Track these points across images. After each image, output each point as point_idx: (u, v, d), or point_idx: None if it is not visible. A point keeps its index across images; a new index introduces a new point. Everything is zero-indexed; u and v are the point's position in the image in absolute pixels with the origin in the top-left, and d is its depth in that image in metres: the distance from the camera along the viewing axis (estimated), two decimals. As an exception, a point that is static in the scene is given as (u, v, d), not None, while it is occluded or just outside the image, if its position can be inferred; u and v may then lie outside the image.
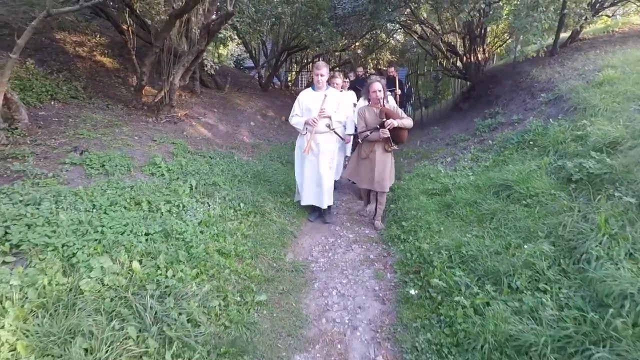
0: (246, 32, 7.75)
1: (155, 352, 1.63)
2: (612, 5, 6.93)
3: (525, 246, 2.35)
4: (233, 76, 8.99)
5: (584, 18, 5.31)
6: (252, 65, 10.93)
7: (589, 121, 3.38)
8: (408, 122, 3.28)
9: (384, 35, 10.44)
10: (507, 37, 9.07)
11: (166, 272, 2.09)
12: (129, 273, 2.00)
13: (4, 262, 1.90)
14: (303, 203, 3.66)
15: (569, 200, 2.61)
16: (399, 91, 6.32)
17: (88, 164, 3.15)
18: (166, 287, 1.97)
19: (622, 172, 2.53)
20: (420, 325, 2.12)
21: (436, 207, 3.45)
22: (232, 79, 8.35)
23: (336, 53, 10.55)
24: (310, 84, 4.19)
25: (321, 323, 2.23)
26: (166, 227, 2.48)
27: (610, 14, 8.20)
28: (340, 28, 8.61)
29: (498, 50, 10.06)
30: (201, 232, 2.63)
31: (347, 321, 2.26)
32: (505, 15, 7.42)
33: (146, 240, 2.32)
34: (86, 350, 1.53)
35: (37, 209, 2.32)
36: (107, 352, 1.54)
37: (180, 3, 4.59)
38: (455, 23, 8.07)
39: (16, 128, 3.48)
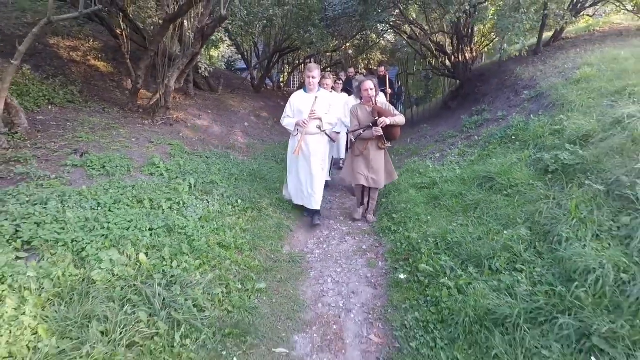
0: (238, 34, 7.89)
1: (165, 333, 1.77)
2: (592, 5, 7.21)
3: (505, 232, 2.54)
4: (226, 78, 9.10)
5: (564, 19, 5.55)
6: (244, 66, 11.05)
7: (566, 116, 3.59)
8: (400, 119, 3.36)
9: (374, 36, 10.64)
10: (494, 37, 9.32)
11: (171, 263, 2.23)
12: (136, 264, 2.14)
13: (18, 258, 2.02)
14: (295, 202, 3.73)
15: (545, 190, 2.80)
16: (389, 90, 6.51)
17: (89, 166, 3.26)
18: (172, 276, 2.11)
19: (592, 162, 2.73)
20: (409, 306, 2.30)
21: (425, 199, 3.63)
22: (225, 81, 8.47)
23: (327, 54, 10.72)
24: (302, 85, 4.30)
25: (317, 307, 2.39)
26: (169, 222, 2.62)
27: (592, 14, 8.50)
28: (331, 29, 8.79)
29: (486, 49, 10.33)
30: (202, 226, 2.78)
31: (341, 305, 2.42)
32: (491, 15, 7.68)
33: (150, 234, 2.46)
34: (102, 332, 1.66)
35: (45, 208, 2.44)
36: (121, 334, 1.68)
37: (174, 8, 4.71)
38: (444, 23, 8.30)
39: (16, 132, 3.57)
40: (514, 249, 2.33)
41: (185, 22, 5.25)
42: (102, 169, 3.27)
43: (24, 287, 1.77)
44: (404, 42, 10.63)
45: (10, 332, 1.55)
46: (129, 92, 5.56)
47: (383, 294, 2.54)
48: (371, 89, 3.36)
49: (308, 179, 3.56)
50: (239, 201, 3.45)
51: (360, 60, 12.09)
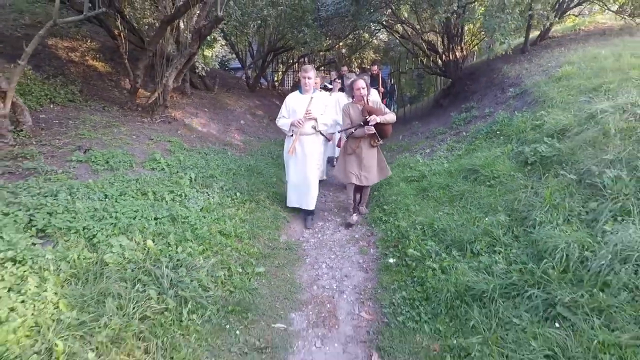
0: (232, 34, 8.03)
1: (174, 309, 1.94)
2: (577, 5, 7.46)
3: (486, 219, 2.74)
4: (221, 77, 9.23)
5: (548, 20, 5.78)
6: (237, 66, 11.18)
7: (546, 112, 3.81)
8: (391, 117, 3.40)
9: (366, 35, 10.83)
10: (483, 36, 9.56)
11: (176, 248, 2.40)
12: (144, 249, 2.30)
13: (33, 244, 2.18)
14: (289, 204, 3.74)
15: (524, 180, 3.02)
16: (382, 88, 6.70)
17: (93, 161, 3.40)
18: (178, 260, 2.28)
19: (568, 154, 2.95)
20: (397, 286, 2.49)
21: (414, 191, 3.83)
22: (220, 80, 8.61)
23: (321, 53, 10.89)
24: (296, 84, 4.44)
25: (313, 289, 2.58)
26: (172, 212, 2.78)
27: (577, 14, 8.77)
28: (324, 29, 8.96)
29: (476, 48, 10.56)
30: (203, 217, 2.94)
31: (335, 287, 2.61)
32: (480, 15, 7.90)
33: (156, 223, 2.62)
34: (117, 307, 1.83)
35: (55, 199, 2.59)
36: (134, 308, 1.85)
37: (170, 10, 4.85)
38: (435, 23, 8.51)
39: (22, 130, 3.71)
40: (493, 234, 2.53)
41: (181, 23, 5.40)
42: (105, 164, 3.42)
43: (43, 268, 1.93)
44: (397, 41, 10.85)
45: (35, 306, 1.71)
46: (127, 91, 5.69)
47: (374, 277, 2.73)
48: (362, 88, 3.38)
49: (303, 178, 3.57)
50: (238, 194, 3.62)
51: (354, 59, 12.28)
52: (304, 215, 3.75)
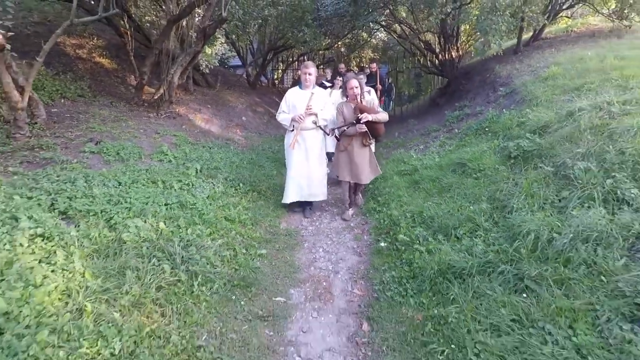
0: (234, 33, 8.24)
1: (186, 281, 2.18)
2: (569, 7, 7.70)
3: (471, 207, 2.98)
4: (222, 75, 9.45)
5: (538, 24, 6.01)
6: (237, 64, 11.39)
7: (531, 110, 4.05)
8: (383, 116, 3.48)
9: (365, 35, 11.06)
10: (478, 36, 9.78)
11: (186, 230, 2.63)
12: (157, 230, 2.53)
13: (56, 225, 2.41)
14: (288, 201, 3.68)
15: (507, 172, 3.26)
16: (380, 86, 6.92)
17: (105, 152, 3.63)
18: (188, 240, 2.51)
19: (547, 148, 3.19)
20: (387, 267, 2.73)
21: (406, 184, 4.07)
22: (221, 78, 8.82)
23: (320, 52, 11.12)
24: (296, 82, 4.63)
25: (310, 270, 2.82)
26: (181, 199, 3.01)
27: (569, 15, 9.00)
28: (324, 29, 9.19)
29: (472, 48, 10.79)
30: (210, 204, 3.18)
31: (330, 268, 2.85)
32: (474, 16, 8.13)
33: (166, 208, 2.85)
34: (136, 277, 2.06)
35: (74, 185, 2.81)
36: (150, 279, 2.08)
37: (175, 10, 5.06)
38: (431, 23, 8.73)
39: (36, 123, 3.92)
40: (476, 220, 2.77)
41: (185, 22, 5.61)
42: (116, 155, 3.64)
43: (69, 244, 2.15)
44: (395, 41, 11.07)
45: (64, 275, 1.93)
46: (133, 87, 5.91)
47: (366, 260, 2.97)
48: (356, 87, 3.46)
49: (307, 172, 3.65)
50: (241, 185, 3.86)
51: (352, 58, 12.51)
52: (303, 205, 3.90)
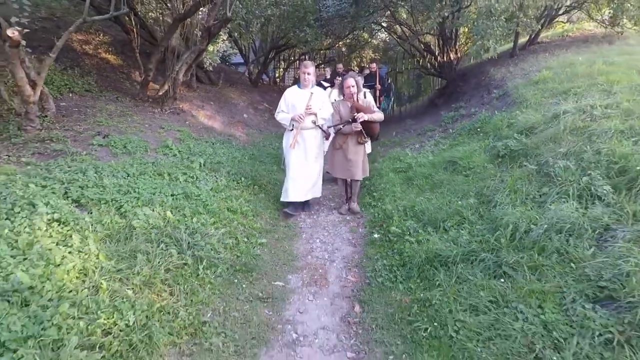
0: (236, 31, 8.40)
1: (192, 264, 2.36)
2: (564, 13, 7.88)
3: (459, 202, 3.17)
4: (225, 72, 9.61)
5: (532, 29, 6.19)
6: (239, 61, 11.55)
7: (521, 112, 4.23)
8: (378, 116, 3.55)
9: (365, 35, 11.23)
10: (475, 39, 9.95)
11: (192, 219, 2.81)
12: (164, 219, 2.70)
13: (71, 211, 2.58)
14: (288, 200, 3.67)
15: (495, 170, 3.44)
16: (379, 86, 7.11)
17: (112, 145, 3.80)
18: (193, 228, 2.69)
19: (532, 148, 3.38)
20: (380, 256, 2.91)
21: (401, 180, 4.25)
22: (224, 75, 8.98)
23: (321, 51, 11.29)
24: (297, 81, 4.73)
25: (307, 258, 3.00)
26: (186, 190, 3.19)
27: (565, 20, 9.18)
28: (325, 29, 9.36)
29: (470, 50, 10.95)
30: (213, 195, 3.36)
31: (326, 257, 3.03)
32: (471, 19, 8.30)
33: (173, 199, 3.03)
34: (146, 260, 2.24)
35: (85, 175, 2.98)
36: (159, 262, 2.26)
37: (180, 10, 5.23)
38: (430, 26, 8.90)
39: (46, 116, 4.08)
40: (463, 213, 2.96)
41: (190, 20, 5.77)
42: (124, 149, 3.81)
43: (84, 228, 2.33)
44: (395, 41, 11.24)
45: (80, 256, 2.11)
46: (138, 83, 6.07)
47: (361, 250, 3.15)
48: (353, 86, 3.53)
49: (306, 171, 3.69)
50: (242, 178, 4.03)
51: (353, 58, 12.68)
52: (297, 206, 3.88)
